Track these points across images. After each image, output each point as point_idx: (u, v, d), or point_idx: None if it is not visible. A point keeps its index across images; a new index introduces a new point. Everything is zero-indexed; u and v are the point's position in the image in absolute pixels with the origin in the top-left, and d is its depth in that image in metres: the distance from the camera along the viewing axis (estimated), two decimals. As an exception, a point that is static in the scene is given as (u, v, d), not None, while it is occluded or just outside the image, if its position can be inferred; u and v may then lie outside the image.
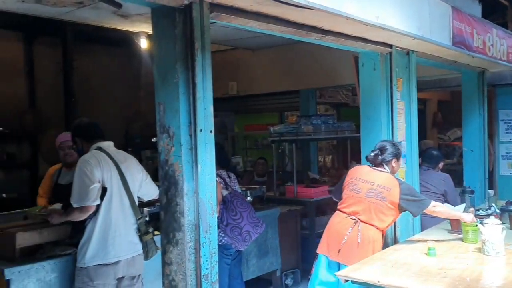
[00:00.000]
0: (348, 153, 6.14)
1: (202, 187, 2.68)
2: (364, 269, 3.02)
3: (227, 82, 7.42)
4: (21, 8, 4.64)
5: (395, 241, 4.15)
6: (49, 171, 4.27)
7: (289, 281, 5.26)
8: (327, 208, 5.35)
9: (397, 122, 4.42)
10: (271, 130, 5.78)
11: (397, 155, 3.74)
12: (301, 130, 5.51)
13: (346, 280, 2.98)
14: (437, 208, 3.65)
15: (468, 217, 3.62)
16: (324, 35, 3.60)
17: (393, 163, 3.72)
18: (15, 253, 3.13)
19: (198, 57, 2.65)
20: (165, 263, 2.72)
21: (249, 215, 4.01)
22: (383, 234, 3.62)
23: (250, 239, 4.04)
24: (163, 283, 2.73)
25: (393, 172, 3.73)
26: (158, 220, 3.78)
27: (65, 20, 5.37)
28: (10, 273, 2.99)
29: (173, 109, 2.70)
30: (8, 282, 2.99)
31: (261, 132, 7.41)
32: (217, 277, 2.72)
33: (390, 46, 4.29)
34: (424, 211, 3.62)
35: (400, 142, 4.42)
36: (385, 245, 3.76)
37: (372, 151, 3.73)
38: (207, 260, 2.66)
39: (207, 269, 2.66)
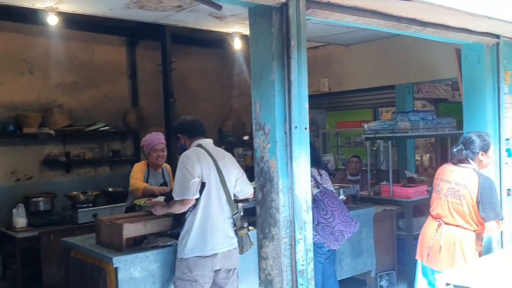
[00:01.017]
0: (448, 151, 5.80)
1: (297, 184, 2.68)
2: (465, 273, 2.83)
3: (318, 79, 7.35)
4: (126, 14, 4.99)
5: (503, 244, 3.85)
6: (141, 167, 4.45)
7: (384, 283, 5.11)
8: (425, 209, 5.10)
9: (504, 117, 4.10)
10: (365, 127, 5.63)
11: (484, 148, 3.41)
12: (398, 127, 5.30)
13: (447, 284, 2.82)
14: (490, 231, 3.31)
15: None
16: (424, 27, 3.44)
17: (480, 156, 3.40)
18: (122, 243, 3.36)
19: (294, 54, 2.66)
20: (261, 257, 2.76)
21: (341, 214, 3.92)
22: (479, 235, 3.36)
23: (343, 238, 3.95)
24: (259, 276, 2.78)
25: (481, 167, 3.43)
26: (252, 216, 3.88)
27: (164, 24, 5.70)
28: (118, 261, 3.21)
29: (269, 106, 2.73)
30: (116, 269, 3.22)
31: (353, 129, 7.23)
32: (313, 274, 2.71)
33: (497, 36, 4.00)
34: (489, 222, 3.25)
35: (508, 139, 4.10)
36: (489, 248, 3.51)
37: (455, 146, 3.46)
38: (302, 256, 2.67)
39: (302, 265, 2.66)
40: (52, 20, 4.78)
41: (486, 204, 3.22)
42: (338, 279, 4.38)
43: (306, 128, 2.75)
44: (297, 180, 2.68)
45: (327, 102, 7.64)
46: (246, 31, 5.67)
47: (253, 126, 2.82)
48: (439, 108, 8.38)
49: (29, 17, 5.79)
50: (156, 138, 4.45)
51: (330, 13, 2.83)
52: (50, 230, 5.75)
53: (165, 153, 4.53)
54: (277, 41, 2.69)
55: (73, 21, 6.02)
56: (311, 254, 2.71)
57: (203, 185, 3.25)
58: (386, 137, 5.54)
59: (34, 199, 6.00)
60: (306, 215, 2.70)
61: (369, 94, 7.31)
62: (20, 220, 5.73)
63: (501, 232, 3.87)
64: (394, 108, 6.89)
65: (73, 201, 6.08)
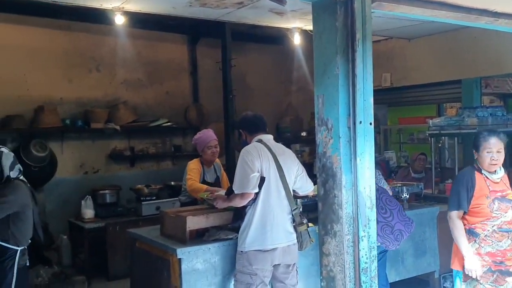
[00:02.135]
0: (518, 149, 5.49)
1: (361, 180, 2.63)
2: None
3: (380, 74, 7.17)
4: (188, 12, 5.10)
5: None
6: (196, 167, 4.50)
7: (448, 284, 4.92)
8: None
9: None
10: (430, 123, 5.44)
11: (474, 147, 3.30)
12: (464, 123, 5.09)
13: None
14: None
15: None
16: (497, 19, 3.27)
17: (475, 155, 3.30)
18: (186, 235, 3.45)
19: (359, 48, 2.61)
20: (323, 254, 2.74)
21: (399, 212, 3.81)
22: None
23: (402, 238, 3.83)
24: (321, 273, 2.76)
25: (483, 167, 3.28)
26: (311, 212, 3.86)
27: (225, 21, 5.77)
28: (182, 253, 3.31)
29: (332, 101, 2.69)
30: (179, 261, 3.31)
31: (416, 126, 7.01)
32: (376, 272, 2.66)
33: None
34: None
35: None
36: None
37: None
38: (366, 254, 2.62)
39: (365, 263, 2.62)
40: (119, 20, 4.96)
41: None
42: (401, 278, 4.28)
43: (371, 123, 2.69)
44: (361, 176, 2.63)
45: (389, 98, 7.45)
46: (306, 26, 5.64)
47: (316, 121, 2.80)
48: (508, 103, 7.94)
49: (97, 17, 6.06)
50: (209, 135, 4.51)
51: (396, 5, 2.75)
52: (116, 221, 6.01)
53: (218, 149, 4.59)
54: (342, 35, 2.65)
55: (138, 20, 6.23)
56: (374, 252, 2.65)
57: (262, 179, 3.28)
58: (452, 134, 5.34)
59: (101, 192, 6.29)
60: (370, 212, 2.65)
61: (433, 89, 7.06)
62: (88, 211, 6.03)
63: None
64: (460, 103, 6.60)
65: (138, 194, 6.32)
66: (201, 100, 7.83)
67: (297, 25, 5.65)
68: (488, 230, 3.17)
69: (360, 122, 2.64)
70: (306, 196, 3.73)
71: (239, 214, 3.43)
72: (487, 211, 3.17)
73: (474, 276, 3.15)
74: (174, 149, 7.53)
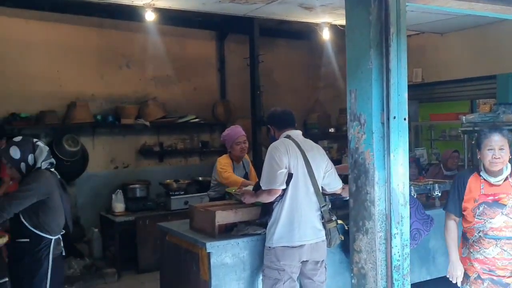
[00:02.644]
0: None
1: (394, 177, 2.59)
2: None
3: (411, 69, 7.03)
4: (218, 8, 5.12)
5: None
6: (227, 162, 4.50)
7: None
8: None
9: None
10: (463, 119, 5.31)
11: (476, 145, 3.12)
12: (499, 120, 4.95)
13: None
14: None
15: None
16: (537, 11, 3.15)
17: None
18: (215, 229, 3.46)
19: (393, 42, 2.57)
20: (354, 251, 2.71)
21: (416, 211, 3.70)
22: None
23: (420, 237, 3.73)
24: (351, 270, 2.73)
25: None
26: (339, 210, 3.82)
27: (253, 17, 5.77)
28: (211, 247, 3.32)
29: (365, 96, 2.66)
30: (209, 254, 3.32)
31: (448, 122, 6.84)
32: (409, 270, 2.61)
33: None
34: None
35: None
36: None
37: None
38: (398, 252, 2.58)
39: (398, 260, 2.58)
40: (149, 16, 5.02)
41: None
42: (432, 277, 4.20)
43: (405, 119, 2.65)
44: (394, 173, 2.59)
45: (420, 93, 7.29)
46: (336, 21, 5.59)
47: (348, 116, 2.77)
48: (545, 99, 7.67)
49: (128, 14, 6.15)
50: (237, 131, 4.52)
51: (432, -1, 2.69)
52: (146, 215, 6.10)
53: (247, 145, 4.59)
54: (375, 29, 2.61)
55: (167, 17, 6.29)
56: (407, 250, 2.61)
57: (290, 176, 3.26)
58: (487, 131, 5.18)
59: (131, 186, 6.39)
60: (403, 209, 2.61)
61: (466, 85, 6.87)
62: (118, 205, 6.13)
63: None
64: (494, 99, 6.42)
65: (167, 188, 6.39)
66: (228, 96, 7.86)
67: (326, 20, 5.61)
68: (475, 236, 3.00)
69: (394, 117, 2.60)
70: (335, 194, 3.68)
71: (267, 209, 3.41)
72: (471, 215, 2.99)
73: (454, 282, 3.01)
74: (202, 145, 7.59)
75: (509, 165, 3.00)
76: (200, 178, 6.83)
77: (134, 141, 7.09)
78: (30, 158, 3.22)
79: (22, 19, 6.19)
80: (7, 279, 2.66)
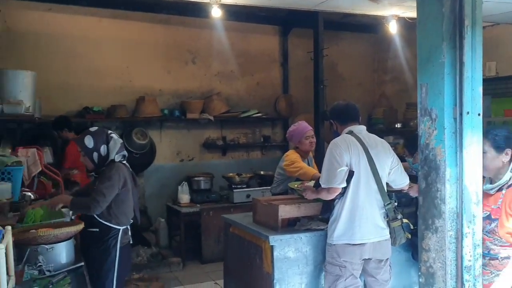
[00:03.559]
0: None
1: (467, 174, 2.49)
2: None
3: (484, 62, 6.66)
4: (283, 3, 5.13)
5: None
6: (297, 155, 4.48)
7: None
8: None
9: None
10: (540, 115, 5.00)
11: None
12: None
13: None
14: None
15: None
16: None
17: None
18: (278, 223, 3.49)
19: (468, 34, 2.46)
20: (422, 249, 2.64)
21: None
22: None
23: None
24: (419, 268, 2.66)
25: None
26: (406, 207, 3.72)
27: (318, 11, 5.72)
28: (274, 240, 3.35)
29: (437, 90, 2.56)
30: (272, 247, 3.36)
31: (525, 118, 6.47)
32: (481, 271, 2.51)
33: None
34: None
35: None
36: None
37: None
38: (470, 251, 2.48)
39: (469, 260, 2.48)
40: (216, 12, 5.10)
41: None
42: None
43: (479, 114, 2.53)
44: (467, 170, 2.48)
45: (493, 88, 6.92)
46: (404, 13, 5.43)
47: (418, 111, 2.68)
48: None
49: (194, 10, 6.31)
50: (305, 126, 4.51)
51: (511, -13, 2.55)
52: (209, 207, 6.26)
53: (315, 139, 4.58)
54: (448, 21, 2.51)
55: (232, 13, 6.39)
56: (479, 250, 2.50)
57: (351, 173, 3.21)
58: None
59: (196, 178, 6.58)
60: (476, 208, 2.50)
61: (544, 79, 6.46)
62: (184, 196, 6.33)
63: None
64: None
65: (229, 181, 6.52)
66: (291, 91, 7.86)
67: (394, 13, 5.45)
68: None
69: (468, 112, 2.49)
70: (401, 191, 3.59)
71: (328, 206, 3.39)
72: None
73: None
74: (263, 139, 7.65)
75: None
76: (262, 172, 6.90)
77: (198, 135, 7.28)
78: (103, 148, 3.29)
79: (96, 17, 6.52)
80: (83, 263, 2.81)
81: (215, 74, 7.37)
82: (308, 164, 4.62)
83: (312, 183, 3.73)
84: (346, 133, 3.38)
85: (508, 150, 2.74)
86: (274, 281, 3.35)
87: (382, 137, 3.56)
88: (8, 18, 6.03)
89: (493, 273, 2.70)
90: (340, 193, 3.23)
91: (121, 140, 3.43)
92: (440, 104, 2.53)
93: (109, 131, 3.41)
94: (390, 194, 3.39)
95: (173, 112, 6.89)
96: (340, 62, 8.10)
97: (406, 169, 3.55)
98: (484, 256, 2.66)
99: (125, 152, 3.43)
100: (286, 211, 3.52)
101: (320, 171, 3.48)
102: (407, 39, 6.93)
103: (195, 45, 7.17)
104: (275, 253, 3.36)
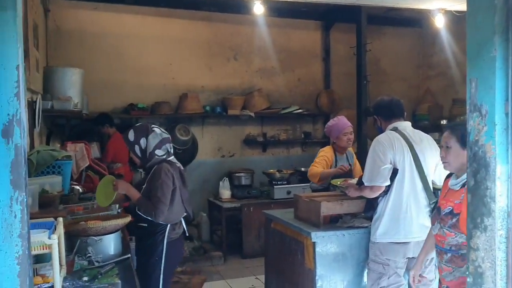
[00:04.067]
0: None
1: (519, 172, 2.40)
2: None
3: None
4: (325, -2, 5.07)
5: None
6: (325, 154, 4.43)
7: None
8: None
9: None
10: None
11: None
12: None
13: None
14: None
15: None
16: None
17: None
18: (320, 219, 3.47)
19: (522, 27, 2.36)
20: (470, 248, 2.55)
21: None
22: None
23: None
24: (467, 267, 2.58)
25: None
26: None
27: (361, 5, 5.65)
28: (316, 236, 3.35)
29: (487, 85, 2.46)
30: (314, 244, 3.35)
31: None
32: (534, 274, 2.42)
33: None
34: None
35: None
36: None
37: None
38: (522, 253, 2.39)
39: (521, 262, 2.39)
40: (258, 9, 5.12)
41: None
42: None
43: (533, 110, 2.43)
44: (519, 168, 2.39)
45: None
46: (451, 7, 5.26)
47: (467, 107, 2.58)
48: None
49: (236, 7, 6.34)
50: (344, 122, 4.44)
51: None
52: (250, 202, 6.30)
53: (353, 136, 4.51)
54: (500, 14, 2.40)
55: (274, 9, 6.38)
56: (532, 251, 2.41)
57: (395, 171, 3.15)
58: None
59: (237, 174, 6.63)
60: (528, 207, 2.41)
61: None
62: (225, 191, 6.40)
63: None
64: None
65: (270, 177, 6.54)
66: (332, 86, 7.78)
67: (440, 6, 5.30)
68: None
69: (520, 108, 2.39)
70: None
71: (371, 204, 3.34)
72: None
73: None
74: (304, 135, 7.62)
75: None
76: (302, 169, 6.85)
77: (239, 131, 7.32)
78: (143, 141, 3.23)
79: (139, 15, 6.66)
80: (129, 255, 2.89)
81: (256, 70, 7.38)
82: (347, 160, 4.57)
83: (355, 180, 3.69)
84: (390, 130, 3.31)
85: None
86: (316, 277, 3.34)
87: (426, 134, 3.48)
88: (57, 18, 6.24)
89: (455, 269, 2.60)
90: (383, 191, 3.18)
91: (165, 134, 3.34)
92: (490, 100, 2.43)
93: (153, 126, 3.37)
94: (436, 192, 3.31)
95: (215, 108, 6.95)
96: (383, 57, 7.95)
97: None
98: (445, 252, 2.57)
99: (167, 146, 3.33)
100: (329, 207, 3.50)
101: (363, 168, 3.44)
102: (454, 33, 6.72)
103: (236, 42, 7.21)
104: (317, 249, 3.35)
